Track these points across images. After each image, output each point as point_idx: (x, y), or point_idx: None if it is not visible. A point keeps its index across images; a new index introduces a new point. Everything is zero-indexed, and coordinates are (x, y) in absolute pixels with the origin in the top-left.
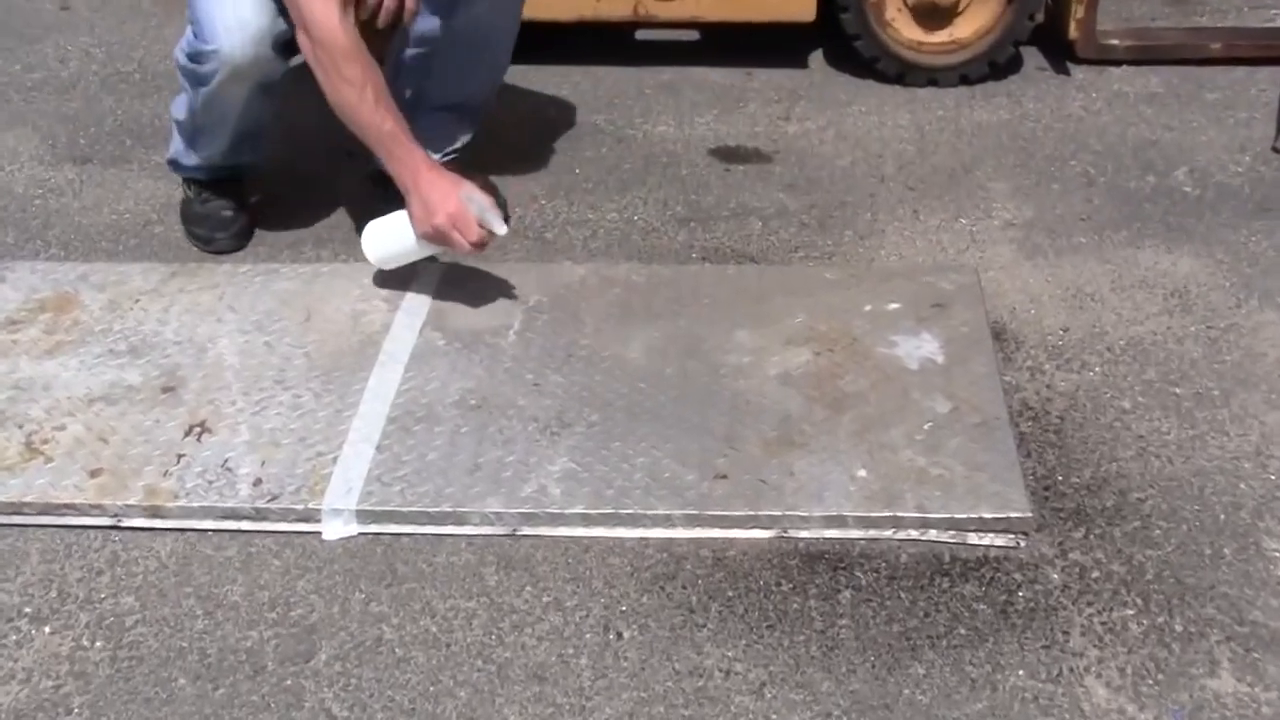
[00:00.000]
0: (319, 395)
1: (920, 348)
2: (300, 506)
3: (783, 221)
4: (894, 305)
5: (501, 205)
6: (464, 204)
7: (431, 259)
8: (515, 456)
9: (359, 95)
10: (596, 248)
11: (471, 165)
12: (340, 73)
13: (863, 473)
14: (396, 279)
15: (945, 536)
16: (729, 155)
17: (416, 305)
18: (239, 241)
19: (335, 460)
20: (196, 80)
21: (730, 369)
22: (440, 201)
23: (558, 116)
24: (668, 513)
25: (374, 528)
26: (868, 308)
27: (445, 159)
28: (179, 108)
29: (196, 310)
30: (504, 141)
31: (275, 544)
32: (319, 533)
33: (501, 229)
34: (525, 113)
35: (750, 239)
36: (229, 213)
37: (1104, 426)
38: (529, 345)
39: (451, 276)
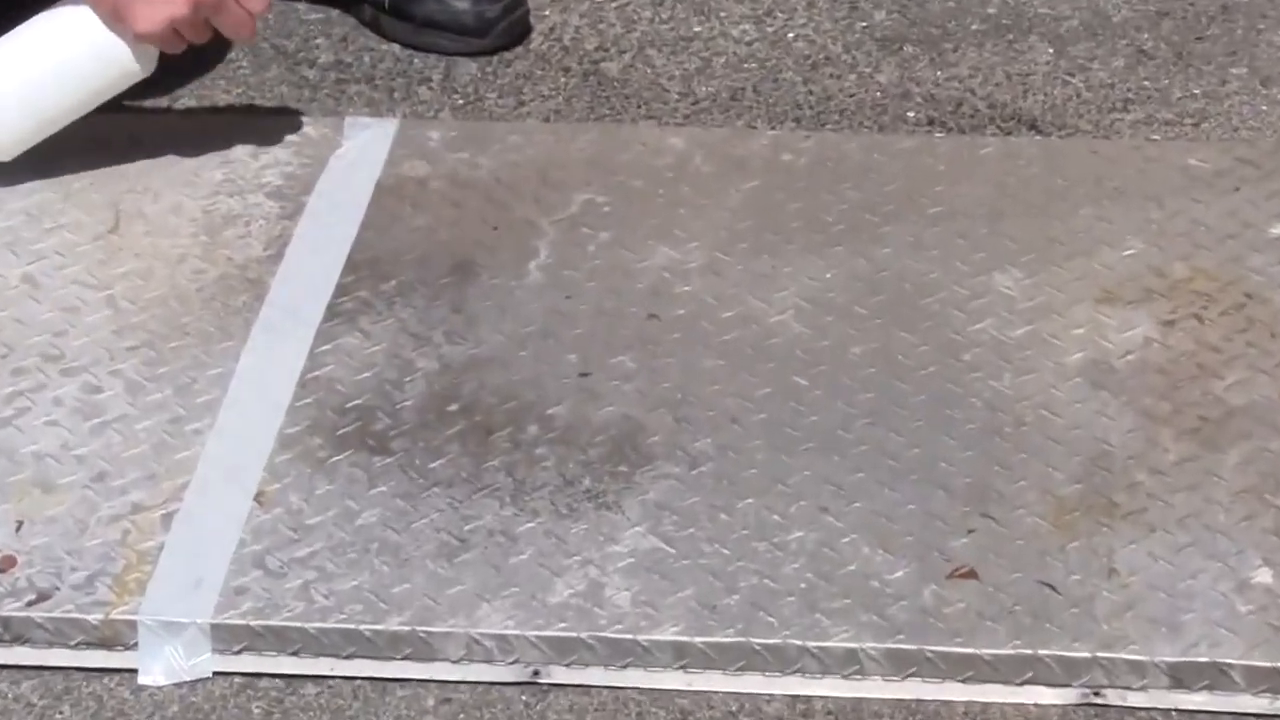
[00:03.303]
0: (137, 387)
1: None
2: (93, 618)
3: (1094, 47)
4: None
5: None
6: None
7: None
8: (539, 522)
9: None
10: (708, 94)
11: None
12: None
13: (1267, 576)
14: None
15: None
16: None
17: (341, 202)
18: None
19: (167, 522)
20: None
21: (980, 349)
22: None
23: None
24: (853, 646)
25: (246, 663)
26: (1277, 230)
27: None
28: None
29: None
30: None
31: (37, 697)
32: (132, 672)
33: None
34: None
35: (1027, 82)
36: None
37: None
38: (566, 290)
39: (407, 141)
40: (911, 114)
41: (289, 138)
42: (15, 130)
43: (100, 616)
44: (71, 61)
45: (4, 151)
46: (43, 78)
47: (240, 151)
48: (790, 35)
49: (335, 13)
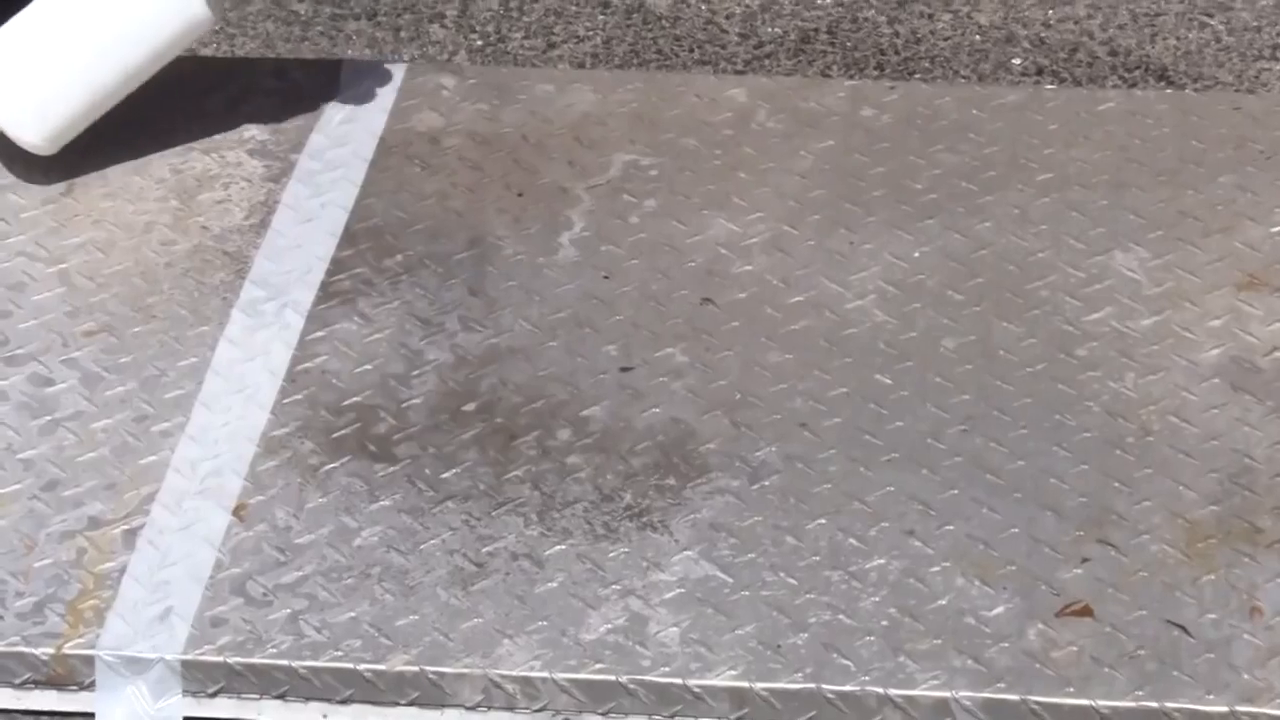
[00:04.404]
0: (95, 379)
1: None
2: (42, 653)
3: None
4: None
5: None
6: None
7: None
8: (570, 544)
9: None
10: (774, 36)
11: None
12: None
13: None
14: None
15: None
16: None
17: (337, 161)
18: None
19: (130, 539)
20: None
21: (1098, 343)
22: None
23: None
24: (944, 695)
25: (222, 708)
26: None
27: None
28: None
29: None
30: None
31: None
32: (89, 717)
33: None
34: None
35: (1156, 24)
36: None
37: None
38: (604, 269)
39: (416, 89)
40: (1017, 61)
41: (275, 84)
42: (60, 116)
43: (51, 651)
44: (117, 14)
45: (49, 142)
46: (84, 44)
47: (217, 100)
48: None
49: None
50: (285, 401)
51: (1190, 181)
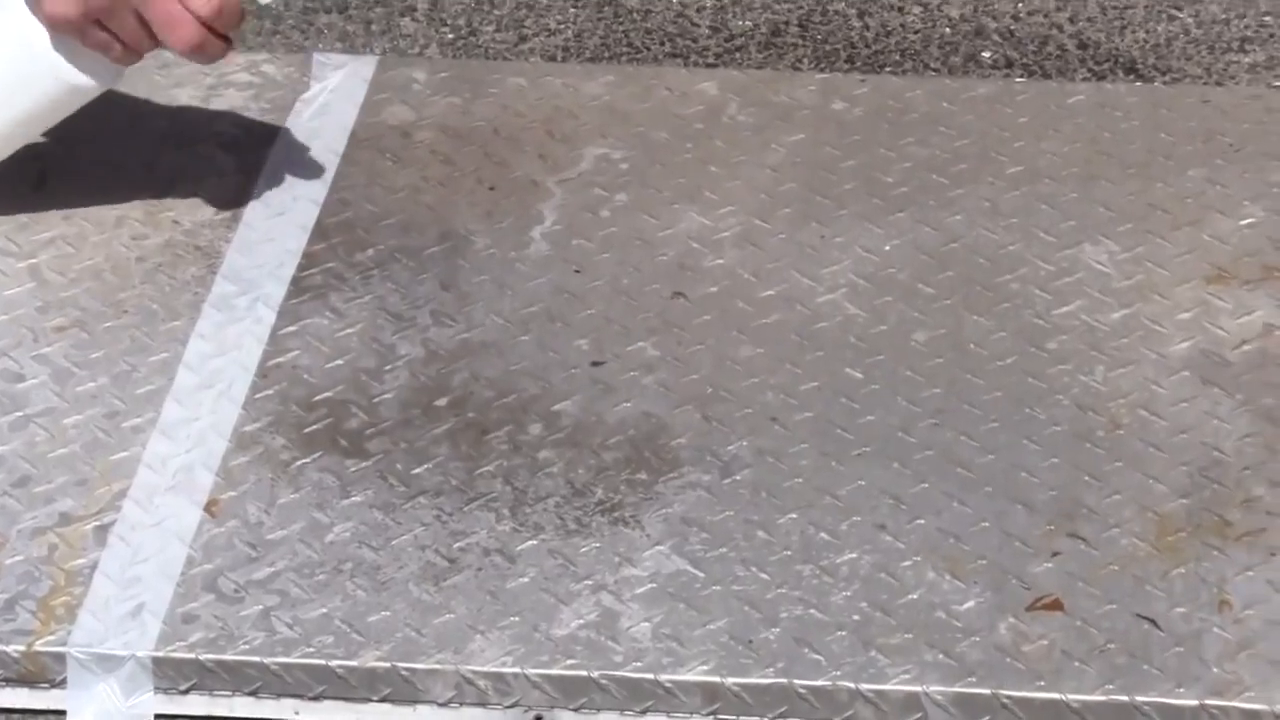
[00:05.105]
0: (65, 375)
1: None
2: (12, 650)
3: None
4: None
5: None
6: None
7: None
8: (542, 539)
9: None
10: (745, 29)
11: None
12: None
13: None
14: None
15: None
16: None
17: (308, 157)
18: None
19: (102, 536)
20: None
21: (1068, 336)
22: None
23: None
24: (915, 689)
25: (194, 704)
26: None
27: None
28: None
29: None
30: None
31: None
32: (60, 714)
33: None
34: None
35: (1125, 17)
36: None
37: None
38: (576, 263)
39: (387, 83)
40: (987, 54)
41: (246, 78)
42: None
43: (21, 648)
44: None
45: None
46: None
47: (188, 95)
48: None
49: None
50: (257, 397)
51: (1159, 174)
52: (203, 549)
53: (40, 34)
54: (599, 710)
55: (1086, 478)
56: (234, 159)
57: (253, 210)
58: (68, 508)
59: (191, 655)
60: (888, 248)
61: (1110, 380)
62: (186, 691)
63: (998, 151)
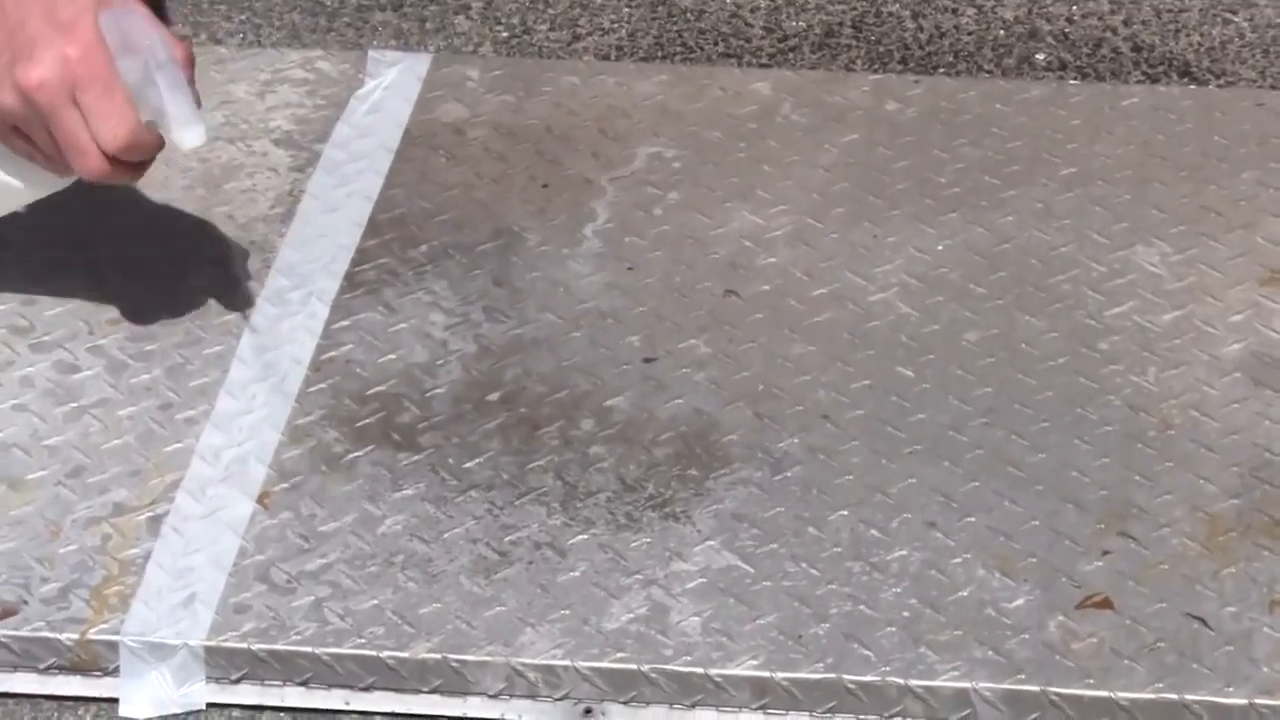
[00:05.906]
0: (120, 366)
1: None
2: (66, 638)
3: None
4: None
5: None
6: (100, 45)
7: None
8: (593, 534)
9: None
10: (798, 30)
11: None
12: None
13: None
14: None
15: None
16: None
17: (362, 152)
18: None
19: (155, 526)
20: None
21: (1120, 337)
22: (38, 35)
23: None
24: (964, 685)
25: (245, 694)
26: None
27: None
28: None
29: None
30: None
31: None
32: (113, 702)
33: (191, 133)
34: None
35: (1180, 20)
36: None
37: None
38: (628, 261)
39: (441, 80)
40: (1041, 56)
41: (301, 75)
42: None
43: (75, 636)
44: None
45: None
46: None
47: (243, 90)
48: None
49: None
50: (310, 390)
51: (1213, 177)
52: (255, 540)
53: None
54: (648, 703)
55: (1137, 477)
56: (288, 155)
57: (307, 205)
58: (121, 498)
59: (243, 645)
60: (940, 248)
61: (1162, 381)
62: (238, 681)
63: (1051, 153)
